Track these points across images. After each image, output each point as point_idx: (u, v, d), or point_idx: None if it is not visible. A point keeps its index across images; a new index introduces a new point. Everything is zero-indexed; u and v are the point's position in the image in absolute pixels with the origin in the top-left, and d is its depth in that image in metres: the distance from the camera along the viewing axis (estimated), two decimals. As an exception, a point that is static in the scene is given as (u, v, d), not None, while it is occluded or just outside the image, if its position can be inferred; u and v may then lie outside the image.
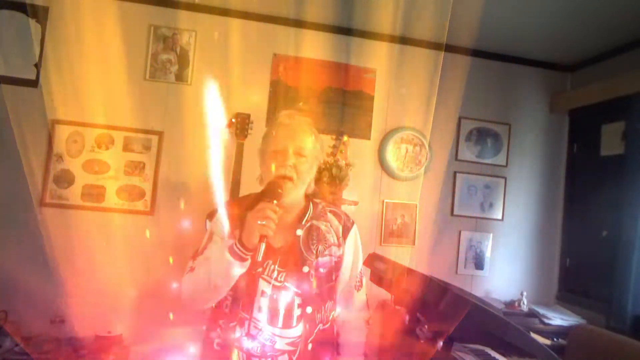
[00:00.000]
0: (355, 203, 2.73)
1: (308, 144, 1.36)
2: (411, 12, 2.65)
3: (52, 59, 2.62)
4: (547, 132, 3.26)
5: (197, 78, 2.80)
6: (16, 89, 2.57)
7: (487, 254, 3.11)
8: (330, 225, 1.42)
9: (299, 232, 1.37)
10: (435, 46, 3.04)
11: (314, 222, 1.40)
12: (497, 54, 3.15)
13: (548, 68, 3.25)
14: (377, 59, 3.01)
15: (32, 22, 2.61)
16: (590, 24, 2.60)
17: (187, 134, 2.74)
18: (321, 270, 1.35)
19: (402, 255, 2.94)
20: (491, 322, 1.08)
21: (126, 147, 2.70)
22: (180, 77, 2.79)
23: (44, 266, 2.49)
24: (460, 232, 3.09)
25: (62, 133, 2.62)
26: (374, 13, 2.74)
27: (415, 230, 3.01)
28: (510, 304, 3.00)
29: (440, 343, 1.13)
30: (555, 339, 2.63)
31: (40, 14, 2.62)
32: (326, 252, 1.37)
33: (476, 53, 3.10)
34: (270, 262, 1.31)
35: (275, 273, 1.31)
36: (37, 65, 2.61)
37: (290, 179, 1.31)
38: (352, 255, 1.45)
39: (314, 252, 1.35)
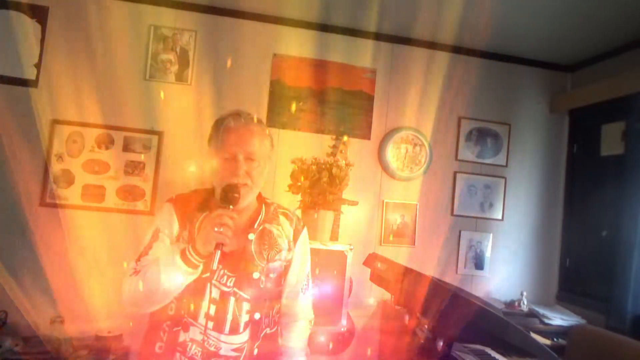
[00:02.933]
0: (355, 203, 2.73)
1: (257, 147, 1.31)
2: (411, 13, 2.65)
3: (52, 59, 2.62)
4: (547, 132, 3.26)
5: (197, 78, 2.80)
6: (16, 89, 2.57)
7: (487, 254, 3.11)
8: (282, 229, 1.40)
9: (251, 236, 1.33)
10: (435, 46, 3.04)
11: (266, 225, 1.37)
12: (497, 54, 3.15)
13: (548, 68, 3.25)
14: (377, 59, 3.01)
15: (32, 22, 2.61)
16: (590, 24, 2.60)
17: (187, 134, 2.74)
18: (271, 275, 1.33)
19: (402, 255, 2.94)
20: (491, 322, 1.08)
21: (126, 147, 2.71)
22: (180, 77, 2.79)
23: (43, 266, 2.49)
24: (460, 232, 3.09)
25: (62, 133, 2.62)
26: (374, 13, 2.74)
27: (415, 230, 3.01)
28: (510, 304, 3.00)
29: (440, 343, 1.13)
30: (555, 339, 2.63)
31: (40, 14, 2.62)
32: (277, 257, 1.35)
33: (476, 53, 3.10)
34: (220, 266, 1.25)
35: (225, 278, 1.27)
36: (37, 65, 2.61)
37: (245, 185, 1.28)
38: (301, 258, 1.44)
39: (265, 257, 1.32)
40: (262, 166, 1.34)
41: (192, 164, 2.76)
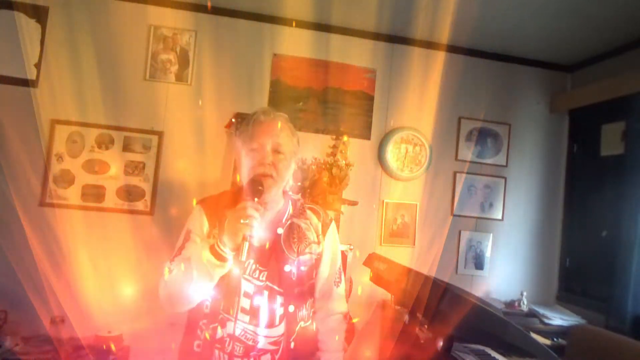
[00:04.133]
0: (355, 203, 2.73)
1: (285, 141, 1.35)
2: (411, 12, 2.65)
3: (52, 59, 2.62)
4: (547, 132, 3.26)
5: (197, 78, 2.80)
6: (16, 89, 2.57)
7: (487, 254, 3.11)
8: (310, 223, 1.42)
9: (280, 230, 1.36)
10: (435, 46, 3.04)
11: (294, 220, 1.40)
12: (497, 54, 3.16)
13: (548, 68, 3.25)
14: (377, 59, 3.01)
15: (32, 22, 2.61)
16: (590, 24, 2.60)
17: (187, 134, 2.74)
18: (302, 268, 1.35)
19: (402, 255, 2.94)
20: (491, 322, 1.08)
21: (126, 147, 2.70)
22: (180, 77, 2.79)
23: (43, 266, 2.49)
24: (460, 232, 3.09)
25: (62, 133, 2.62)
26: (374, 13, 2.74)
27: (415, 230, 3.01)
28: (510, 304, 3.00)
29: (440, 343, 1.13)
30: (555, 339, 2.63)
31: (40, 14, 2.62)
32: (307, 250, 1.37)
33: (476, 53, 3.10)
34: (252, 261, 1.29)
35: (257, 272, 1.30)
36: (37, 65, 2.61)
37: (270, 176, 1.30)
38: (331, 251, 1.46)
39: (295, 250, 1.35)
40: (289, 160, 1.37)
41: (192, 164, 2.76)
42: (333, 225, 1.48)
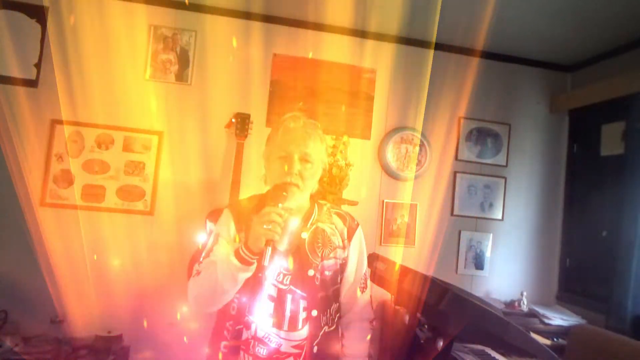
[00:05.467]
0: (355, 203, 2.73)
1: (313, 149, 1.34)
2: (411, 12, 2.65)
3: (52, 59, 2.62)
4: (547, 132, 3.26)
5: (197, 78, 2.80)
6: (16, 89, 2.57)
7: (487, 254, 3.11)
8: (335, 228, 1.42)
9: (304, 234, 1.36)
10: (435, 46, 3.04)
11: (319, 224, 1.39)
12: (497, 54, 3.15)
13: (548, 68, 3.25)
14: (377, 59, 3.01)
15: (32, 22, 2.61)
16: (590, 24, 2.60)
17: (187, 134, 2.75)
18: (326, 273, 1.35)
19: (402, 255, 2.94)
20: (491, 322, 1.08)
21: (126, 147, 2.70)
22: (180, 77, 2.79)
23: (44, 266, 2.49)
24: (460, 232, 3.09)
25: (62, 133, 2.62)
26: (374, 13, 2.74)
27: (415, 230, 3.01)
28: (510, 304, 3.00)
29: (440, 343, 1.13)
30: (555, 339, 2.63)
31: (40, 14, 2.62)
32: (331, 255, 1.37)
33: (476, 53, 3.10)
34: (277, 265, 1.31)
35: (281, 276, 1.31)
36: (37, 65, 2.61)
37: (296, 185, 1.31)
38: (357, 257, 1.45)
39: (319, 255, 1.34)
40: (316, 169, 1.37)
41: (192, 164, 2.76)
42: (359, 230, 1.46)
